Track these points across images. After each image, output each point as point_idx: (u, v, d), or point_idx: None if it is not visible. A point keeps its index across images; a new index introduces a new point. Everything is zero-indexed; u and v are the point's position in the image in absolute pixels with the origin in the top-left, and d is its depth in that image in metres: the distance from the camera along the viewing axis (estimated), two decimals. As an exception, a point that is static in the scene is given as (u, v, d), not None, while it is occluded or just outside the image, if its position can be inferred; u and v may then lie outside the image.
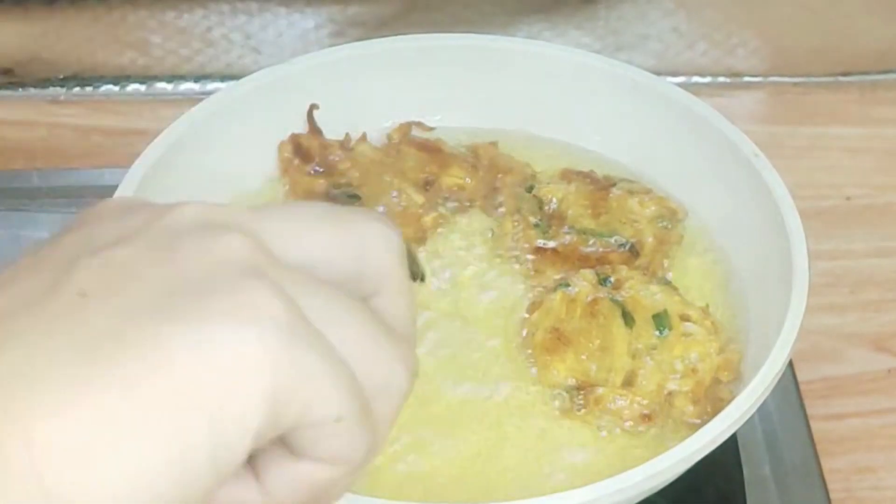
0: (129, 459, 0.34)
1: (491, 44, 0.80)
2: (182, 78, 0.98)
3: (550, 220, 0.73)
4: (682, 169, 0.77)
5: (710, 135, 0.75)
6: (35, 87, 0.97)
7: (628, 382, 0.66)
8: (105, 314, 0.35)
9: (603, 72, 0.79)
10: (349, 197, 0.74)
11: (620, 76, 0.78)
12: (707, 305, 0.69)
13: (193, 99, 0.82)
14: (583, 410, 0.66)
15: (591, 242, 0.72)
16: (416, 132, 0.79)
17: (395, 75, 0.79)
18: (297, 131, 0.77)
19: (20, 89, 0.97)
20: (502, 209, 0.75)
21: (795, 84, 1.00)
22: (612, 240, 0.72)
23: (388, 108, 0.80)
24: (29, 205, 0.88)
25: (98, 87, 0.98)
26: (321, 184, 0.75)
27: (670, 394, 0.65)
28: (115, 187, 0.69)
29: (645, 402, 0.65)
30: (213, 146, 0.75)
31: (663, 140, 0.77)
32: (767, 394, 0.62)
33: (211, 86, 0.97)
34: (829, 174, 0.94)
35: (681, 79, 0.99)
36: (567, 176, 0.75)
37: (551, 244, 0.72)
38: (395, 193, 0.75)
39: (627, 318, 0.67)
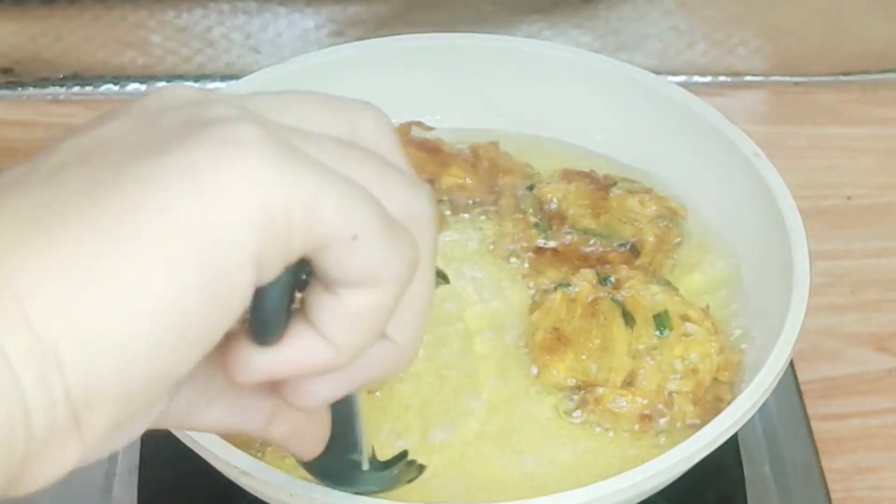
0: (114, 297, 0.32)
1: (491, 43, 0.80)
2: (182, 77, 0.98)
3: (551, 220, 0.73)
4: (683, 169, 0.77)
5: (710, 134, 0.75)
6: (35, 86, 0.97)
7: (628, 383, 0.66)
8: (80, 172, 0.34)
9: (603, 71, 0.79)
10: None
11: (620, 76, 0.78)
12: (707, 306, 0.69)
13: (193, 99, 0.82)
14: (583, 411, 0.65)
15: (591, 242, 0.72)
16: (416, 132, 0.79)
17: (395, 75, 0.79)
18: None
19: (20, 89, 0.97)
20: (503, 209, 0.75)
21: (796, 84, 1.00)
22: (613, 240, 0.72)
23: (388, 108, 0.79)
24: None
25: (98, 86, 0.98)
26: None
27: (671, 394, 0.65)
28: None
29: (645, 402, 0.65)
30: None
31: (663, 140, 0.77)
32: (768, 394, 0.62)
33: (211, 85, 0.97)
34: (829, 174, 0.94)
35: (681, 78, 0.99)
36: (567, 176, 0.75)
37: (551, 244, 0.72)
38: None
39: (628, 318, 0.67)
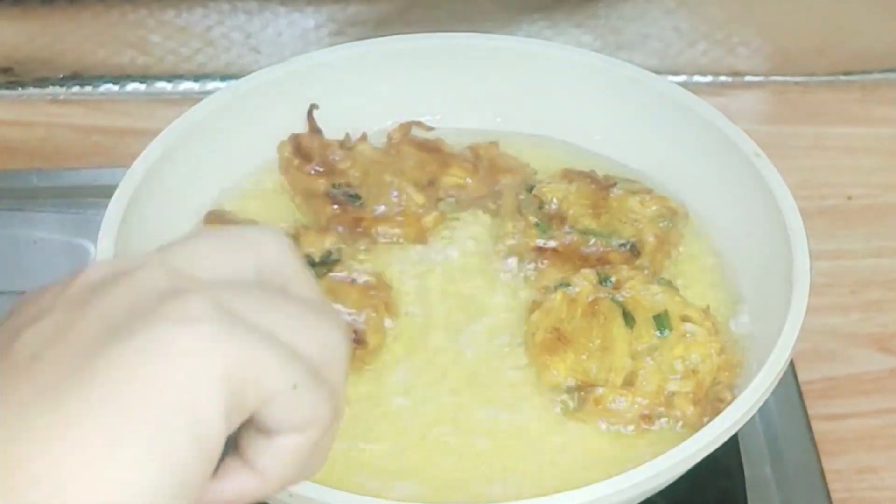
0: (122, 476, 0.38)
1: (491, 43, 0.80)
2: (182, 77, 0.98)
3: (551, 220, 0.73)
4: (683, 168, 0.76)
5: (711, 134, 0.75)
6: (34, 86, 0.97)
7: (628, 383, 0.65)
8: (57, 363, 0.39)
9: (603, 71, 0.78)
10: (349, 196, 0.74)
11: (621, 75, 0.78)
12: (708, 306, 0.69)
13: (193, 98, 0.82)
14: (582, 411, 0.65)
15: (591, 242, 0.72)
16: (417, 132, 0.79)
17: (395, 75, 0.79)
18: (297, 131, 0.77)
19: (19, 89, 0.97)
20: (503, 209, 0.75)
21: (797, 83, 1.00)
22: (613, 240, 0.72)
23: (388, 107, 0.80)
24: (28, 205, 0.87)
25: (97, 86, 0.98)
26: (321, 183, 0.75)
27: (671, 394, 0.65)
28: (114, 187, 0.69)
29: (645, 402, 0.65)
30: (213, 146, 0.75)
31: (664, 140, 0.77)
32: (769, 394, 0.62)
33: (210, 85, 0.97)
34: (830, 174, 0.94)
35: (682, 78, 0.99)
36: (568, 176, 0.75)
37: (551, 244, 0.72)
38: (395, 193, 0.74)
39: (628, 319, 0.67)
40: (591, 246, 0.72)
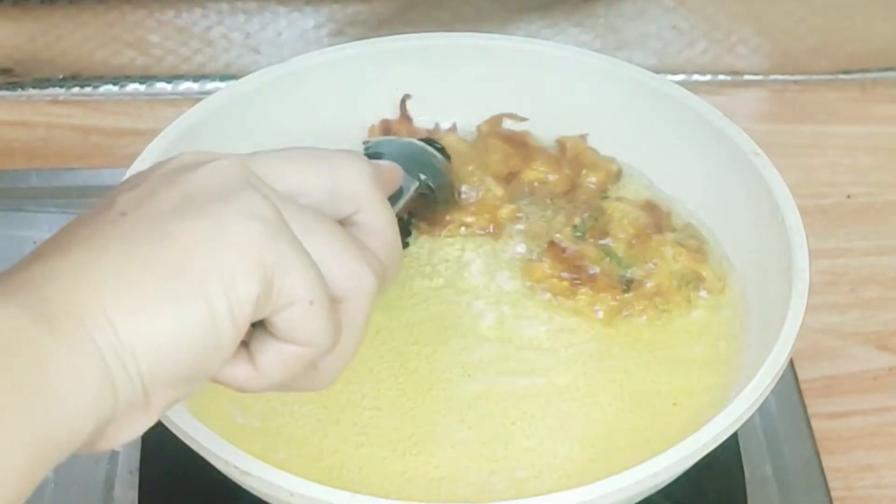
0: (173, 319, 0.45)
1: (491, 43, 0.80)
2: (181, 77, 0.98)
3: (591, 229, 0.73)
4: (683, 167, 0.77)
5: (710, 133, 0.75)
6: (34, 87, 0.97)
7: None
8: (138, 221, 0.47)
9: (602, 70, 0.79)
10: (427, 187, 0.72)
11: (620, 74, 0.78)
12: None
13: (193, 98, 0.82)
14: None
15: (603, 261, 0.72)
16: (509, 124, 0.79)
17: (395, 75, 0.79)
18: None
19: (19, 89, 0.97)
20: (569, 208, 0.76)
21: (796, 82, 1.00)
22: (624, 270, 0.72)
23: (388, 107, 0.80)
24: (28, 205, 0.87)
25: (97, 86, 0.98)
26: None
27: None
28: (114, 187, 0.69)
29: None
30: (213, 146, 0.74)
31: (663, 138, 0.77)
32: (768, 392, 0.62)
33: (210, 85, 0.97)
34: (829, 172, 0.94)
35: (681, 77, 0.99)
36: (645, 207, 0.75)
37: (563, 244, 0.73)
38: (475, 183, 0.75)
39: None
40: (597, 265, 0.72)
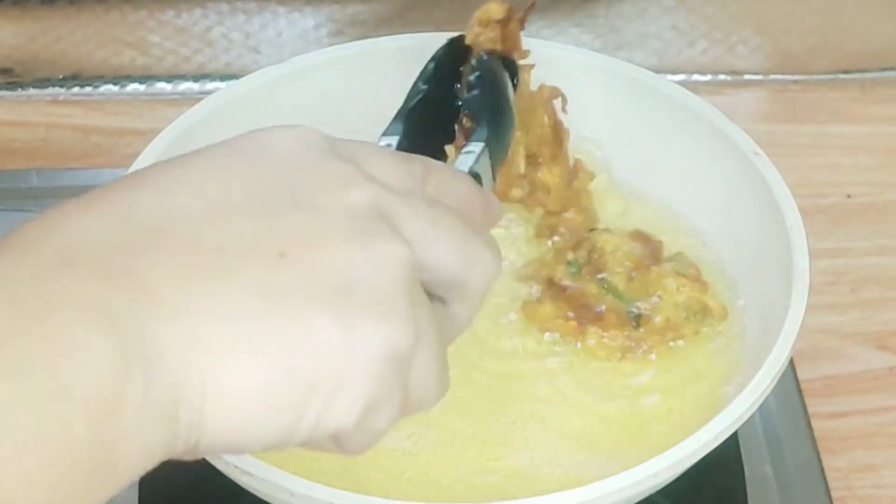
0: (258, 414, 0.42)
1: (490, 42, 0.80)
2: (181, 77, 0.98)
3: (586, 265, 0.72)
4: (683, 167, 0.77)
5: (710, 133, 0.75)
6: (34, 87, 0.97)
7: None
8: (294, 286, 0.42)
9: (602, 70, 0.79)
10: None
11: (620, 74, 0.78)
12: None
13: (193, 98, 0.82)
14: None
15: (605, 298, 0.71)
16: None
17: (395, 75, 0.79)
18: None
19: (19, 89, 0.97)
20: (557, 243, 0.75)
21: (796, 82, 1.00)
22: (629, 306, 0.71)
23: (388, 108, 0.80)
24: (29, 205, 0.87)
25: (97, 86, 0.98)
26: None
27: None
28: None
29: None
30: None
31: (663, 138, 0.77)
32: (768, 392, 0.62)
33: (210, 85, 0.97)
34: (829, 172, 0.94)
35: (681, 77, 0.99)
36: (637, 237, 0.74)
37: (564, 282, 0.71)
38: None
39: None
40: (602, 302, 0.71)
